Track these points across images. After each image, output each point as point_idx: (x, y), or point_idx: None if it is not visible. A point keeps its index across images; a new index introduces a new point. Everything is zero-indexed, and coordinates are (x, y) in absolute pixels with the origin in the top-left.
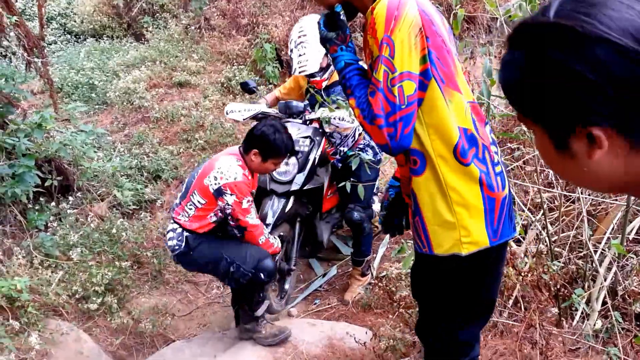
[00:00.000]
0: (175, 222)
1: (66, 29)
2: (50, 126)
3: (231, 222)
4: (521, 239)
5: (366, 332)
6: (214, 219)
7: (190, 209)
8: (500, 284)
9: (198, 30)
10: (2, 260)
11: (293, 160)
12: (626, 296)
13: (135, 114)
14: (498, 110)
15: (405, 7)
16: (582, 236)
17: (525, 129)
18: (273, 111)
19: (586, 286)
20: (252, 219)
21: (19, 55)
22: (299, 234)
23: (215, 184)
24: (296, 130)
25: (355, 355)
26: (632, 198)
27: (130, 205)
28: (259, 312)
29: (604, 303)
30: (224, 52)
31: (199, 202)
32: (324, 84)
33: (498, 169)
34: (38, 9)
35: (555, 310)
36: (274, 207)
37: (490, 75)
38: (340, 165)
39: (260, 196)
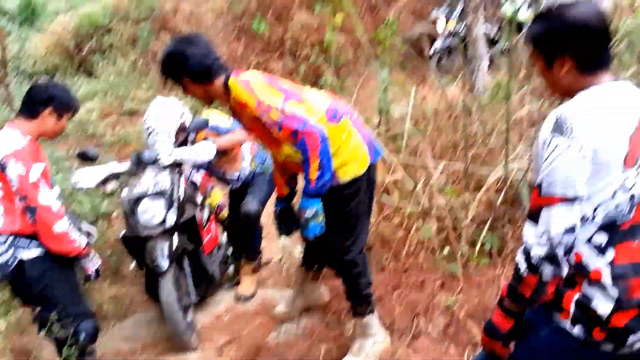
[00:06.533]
0: None
1: (20, 70)
2: None
3: (21, 203)
4: None
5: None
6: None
7: None
8: None
9: (145, 65)
10: None
11: (160, 203)
12: None
13: (89, 141)
14: None
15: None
16: None
17: None
18: (124, 167)
19: None
20: (44, 196)
21: None
22: (189, 268)
23: None
24: (152, 176)
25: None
26: None
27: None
28: None
29: None
30: None
31: None
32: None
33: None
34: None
35: None
36: (162, 249)
37: None
38: (239, 185)
39: (138, 244)
